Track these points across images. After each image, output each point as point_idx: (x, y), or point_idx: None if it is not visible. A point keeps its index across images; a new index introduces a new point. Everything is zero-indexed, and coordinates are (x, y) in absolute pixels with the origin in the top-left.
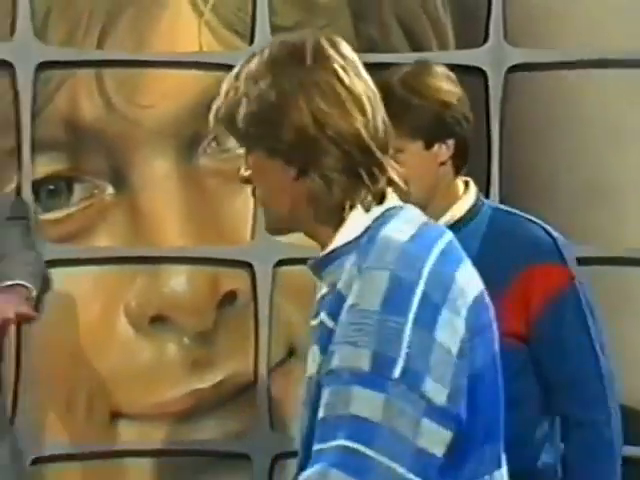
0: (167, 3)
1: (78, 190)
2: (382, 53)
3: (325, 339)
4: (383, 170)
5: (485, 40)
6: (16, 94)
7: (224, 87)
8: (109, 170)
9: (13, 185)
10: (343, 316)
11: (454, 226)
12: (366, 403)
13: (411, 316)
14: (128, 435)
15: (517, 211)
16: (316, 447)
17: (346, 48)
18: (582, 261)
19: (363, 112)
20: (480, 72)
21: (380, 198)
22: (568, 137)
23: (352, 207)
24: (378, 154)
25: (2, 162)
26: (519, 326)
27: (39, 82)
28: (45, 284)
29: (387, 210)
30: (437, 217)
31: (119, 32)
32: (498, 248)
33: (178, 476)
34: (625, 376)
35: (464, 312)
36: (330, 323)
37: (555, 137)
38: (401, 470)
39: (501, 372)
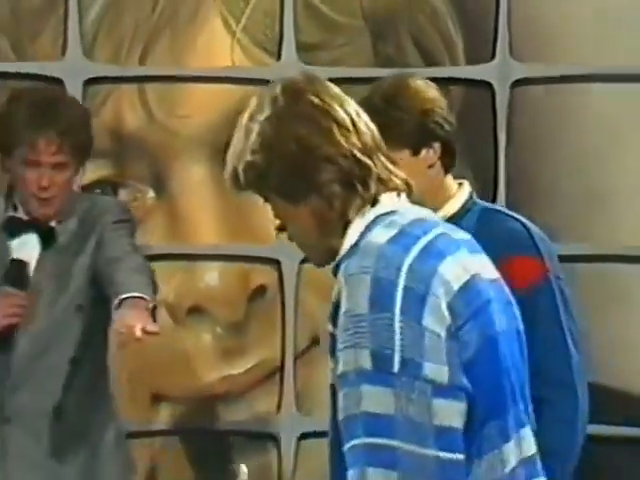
0: (202, 24)
1: (122, 194)
2: (398, 68)
3: (332, 345)
4: (372, 174)
5: (492, 56)
6: None
7: (227, 159)
8: (150, 176)
9: None
10: (340, 323)
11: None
12: (376, 399)
13: (397, 310)
14: (167, 416)
15: (502, 209)
16: (344, 449)
17: (319, 79)
18: (581, 259)
19: (342, 126)
20: (488, 86)
21: (373, 202)
22: (569, 146)
23: (352, 217)
24: (365, 160)
25: None
26: None
27: (87, 96)
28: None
29: (377, 216)
30: None
31: (159, 50)
32: (482, 242)
33: (212, 454)
34: (621, 362)
35: (447, 300)
36: (331, 329)
37: (557, 145)
38: (429, 451)
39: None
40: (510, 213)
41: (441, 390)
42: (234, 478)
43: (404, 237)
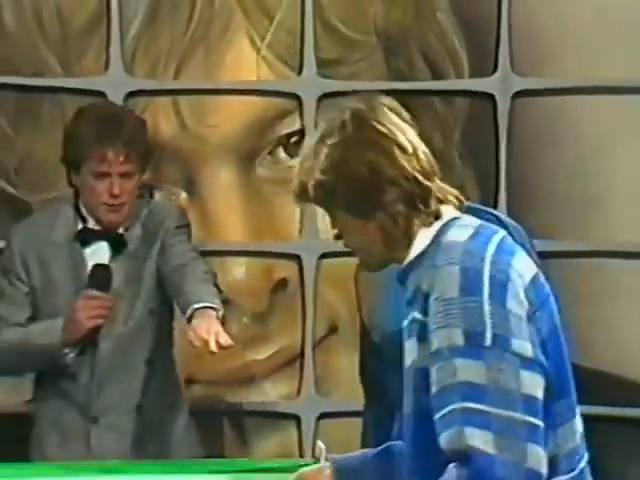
0: (230, 42)
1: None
2: (408, 81)
3: (419, 331)
4: (432, 194)
5: (494, 70)
6: None
7: (296, 169)
8: (183, 179)
9: None
10: (431, 309)
11: None
12: (469, 371)
13: (485, 294)
14: (198, 397)
15: (485, 208)
16: (436, 416)
17: (380, 107)
18: (578, 254)
19: (405, 152)
20: (490, 97)
21: (436, 216)
22: (565, 153)
23: (416, 230)
24: (425, 182)
25: None
26: None
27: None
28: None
29: (445, 224)
30: None
31: (192, 66)
32: None
33: (240, 432)
34: (614, 348)
35: (524, 289)
36: (421, 317)
37: (554, 153)
38: (518, 415)
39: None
40: (489, 210)
41: (526, 363)
42: (260, 454)
43: (480, 236)
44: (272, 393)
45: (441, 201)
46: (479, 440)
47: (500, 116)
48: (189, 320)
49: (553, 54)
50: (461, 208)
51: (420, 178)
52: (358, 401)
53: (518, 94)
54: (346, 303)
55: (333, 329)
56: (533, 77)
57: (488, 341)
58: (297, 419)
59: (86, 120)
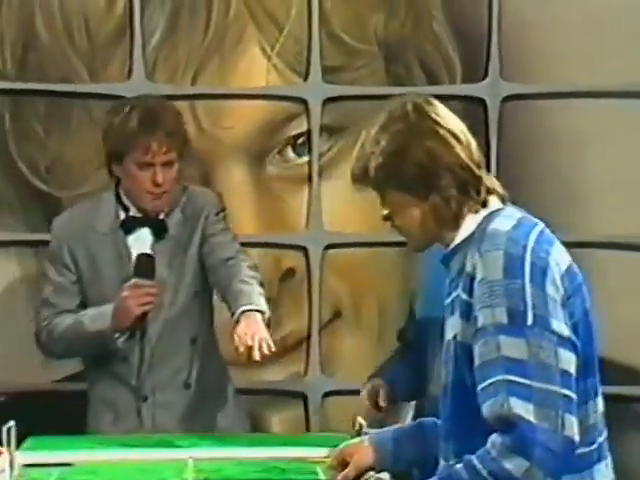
0: (243, 51)
1: None
2: (406, 87)
3: (463, 309)
4: (483, 183)
5: (485, 76)
6: None
7: (355, 154)
8: (199, 176)
9: None
10: (476, 290)
11: None
12: (512, 347)
13: (527, 278)
14: None
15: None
16: (479, 387)
17: (435, 102)
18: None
19: (460, 142)
20: (481, 102)
21: (484, 204)
22: (551, 152)
23: (465, 214)
24: (477, 171)
25: None
26: None
27: None
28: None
29: (491, 212)
30: None
31: (207, 73)
32: None
33: (254, 409)
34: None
35: (560, 276)
36: (465, 297)
37: (541, 152)
38: (556, 388)
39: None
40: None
41: (563, 342)
42: (271, 430)
43: (522, 226)
44: (281, 373)
45: (489, 191)
46: (522, 409)
47: (490, 119)
48: (236, 322)
49: (538, 61)
50: (504, 200)
51: (473, 167)
52: (360, 380)
53: (507, 98)
54: (349, 290)
55: (337, 314)
56: (520, 83)
57: (530, 320)
58: (304, 397)
59: (129, 114)
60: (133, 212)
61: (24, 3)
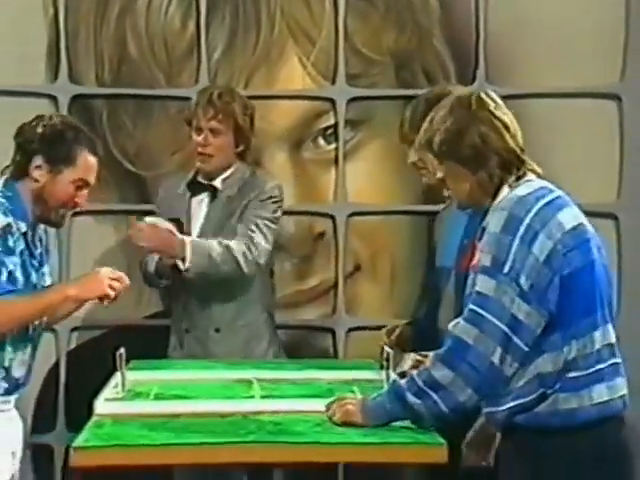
0: (285, 61)
1: None
2: (412, 89)
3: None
4: (524, 164)
5: (473, 80)
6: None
7: (424, 127)
8: (252, 160)
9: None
10: (483, 237)
11: None
12: (485, 284)
13: (518, 236)
14: None
15: None
16: (464, 310)
17: (493, 95)
18: None
19: (509, 131)
20: None
21: (518, 179)
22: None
23: (502, 187)
24: (521, 155)
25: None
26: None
27: None
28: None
29: (520, 182)
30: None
31: (256, 79)
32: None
33: (291, 343)
34: None
35: (558, 235)
36: (477, 242)
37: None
38: (501, 325)
39: (603, 270)
40: None
41: (524, 295)
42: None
43: (537, 192)
44: (314, 313)
45: (527, 170)
46: (464, 332)
47: None
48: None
49: (516, 68)
50: (539, 177)
51: (518, 152)
52: (377, 319)
53: None
54: (367, 249)
55: (358, 267)
56: (502, 85)
57: (506, 269)
58: (332, 332)
59: (199, 98)
60: (200, 178)
61: (118, 26)
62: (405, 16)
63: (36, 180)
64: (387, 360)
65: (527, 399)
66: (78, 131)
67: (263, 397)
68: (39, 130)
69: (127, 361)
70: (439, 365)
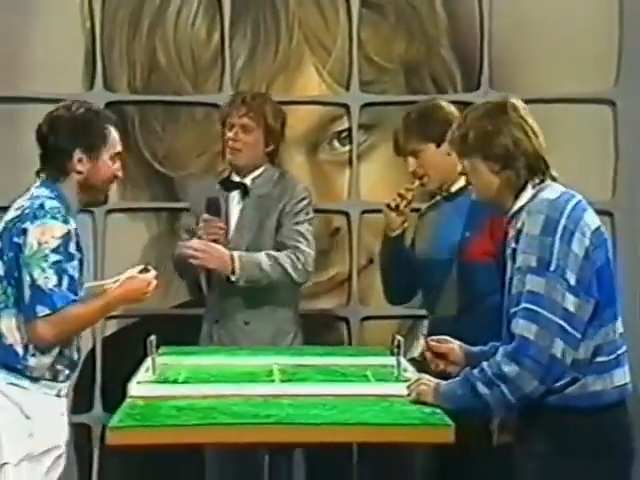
0: (302, 70)
1: None
2: (420, 95)
3: (513, 255)
4: (549, 168)
5: (478, 87)
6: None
7: (455, 124)
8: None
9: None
10: (521, 241)
11: (449, 197)
12: (535, 283)
13: (557, 236)
14: None
15: None
16: (511, 311)
17: (522, 104)
18: None
19: (537, 136)
20: None
21: (542, 181)
22: None
23: (526, 188)
24: (547, 161)
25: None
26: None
27: None
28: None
29: (543, 186)
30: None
31: (276, 86)
32: (474, 209)
33: (309, 329)
34: None
35: (589, 234)
36: (514, 245)
37: None
38: (556, 319)
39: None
40: None
41: (571, 289)
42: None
43: (564, 196)
44: (330, 303)
45: (550, 174)
46: (524, 329)
47: None
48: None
49: (518, 76)
50: (555, 180)
51: (543, 155)
52: (388, 308)
53: None
54: (379, 243)
55: (370, 261)
56: (504, 91)
57: (552, 267)
58: (347, 321)
59: (232, 99)
60: (233, 176)
61: (149, 37)
62: (414, 26)
63: (79, 172)
64: (398, 347)
65: (561, 383)
66: (96, 111)
67: (283, 381)
68: (68, 127)
69: (157, 347)
70: (506, 360)
